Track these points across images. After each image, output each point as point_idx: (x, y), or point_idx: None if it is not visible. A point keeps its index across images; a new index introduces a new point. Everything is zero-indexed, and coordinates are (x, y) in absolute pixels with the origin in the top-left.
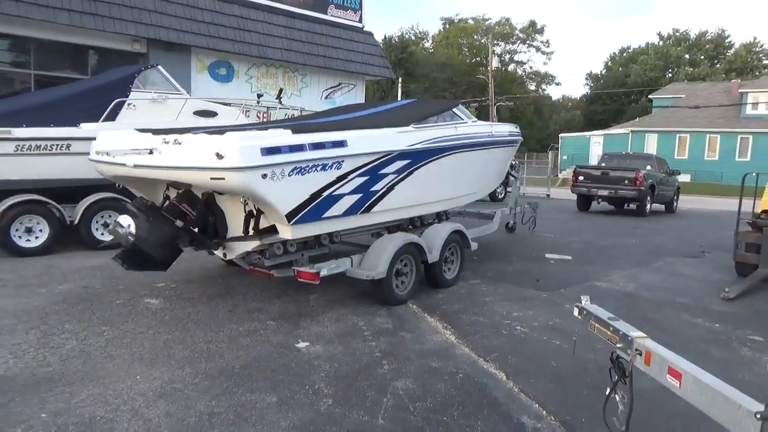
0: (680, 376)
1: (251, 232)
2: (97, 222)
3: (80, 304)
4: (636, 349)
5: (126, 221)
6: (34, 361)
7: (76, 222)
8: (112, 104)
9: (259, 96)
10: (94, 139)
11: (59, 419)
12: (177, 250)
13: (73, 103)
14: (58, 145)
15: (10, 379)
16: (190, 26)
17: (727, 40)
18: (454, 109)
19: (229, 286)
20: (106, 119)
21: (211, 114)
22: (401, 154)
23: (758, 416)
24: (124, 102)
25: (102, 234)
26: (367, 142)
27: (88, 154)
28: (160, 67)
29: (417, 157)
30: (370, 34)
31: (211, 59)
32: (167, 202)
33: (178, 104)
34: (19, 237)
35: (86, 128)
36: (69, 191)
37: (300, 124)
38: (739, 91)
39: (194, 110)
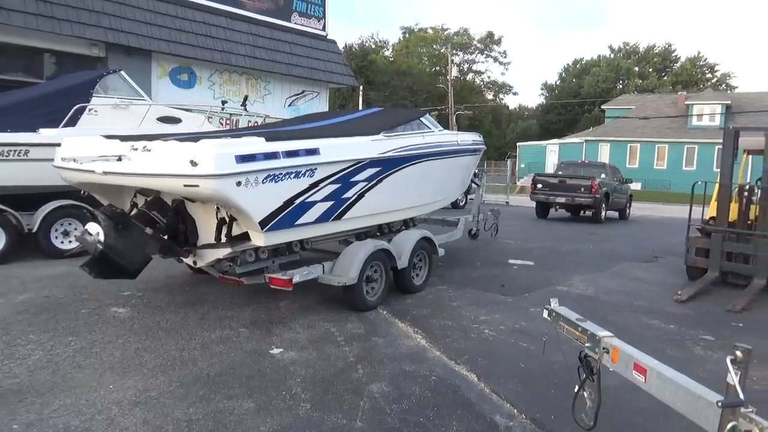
0: (645, 372)
1: (223, 239)
2: (56, 230)
3: (43, 313)
4: (603, 348)
5: (95, 229)
6: (0, 373)
7: (35, 230)
8: (73, 110)
9: (224, 103)
10: (55, 145)
11: (32, 430)
12: (146, 258)
13: (31, 108)
14: (15, 150)
15: None
16: (150, 31)
17: (673, 54)
18: (422, 118)
19: (197, 293)
20: (67, 125)
21: (175, 120)
22: (372, 162)
23: (719, 404)
24: (86, 107)
25: (62, 242)
26: (340, 150)
27: (48, 160)
28: (122, 72)
29: (387, 165)
30: (334, 42)
31: (173, 65)
32: (136, 210)
33: (141, 110)
34: None
35: (46, 134)
36: (27, 198)
37: (273, 131)
38: (685, 103)
39: (158, 116)
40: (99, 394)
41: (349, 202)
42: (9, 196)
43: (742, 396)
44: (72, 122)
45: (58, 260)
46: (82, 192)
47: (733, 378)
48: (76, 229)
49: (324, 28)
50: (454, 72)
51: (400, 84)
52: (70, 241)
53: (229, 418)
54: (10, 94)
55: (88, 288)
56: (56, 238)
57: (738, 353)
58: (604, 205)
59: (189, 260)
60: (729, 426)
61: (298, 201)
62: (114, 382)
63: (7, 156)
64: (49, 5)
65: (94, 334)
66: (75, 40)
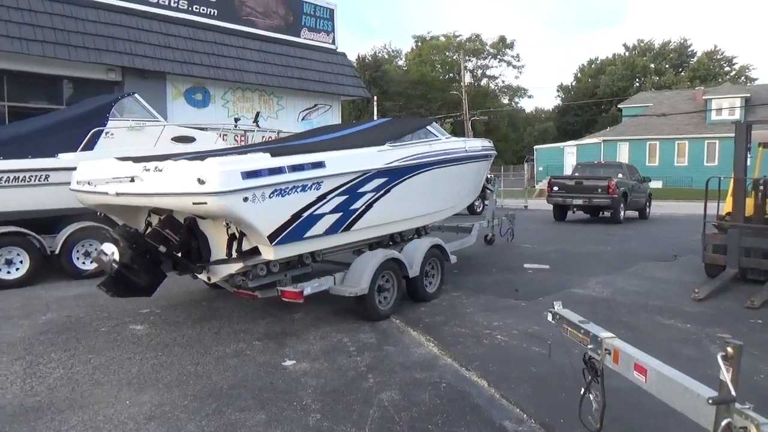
0: (645, 371)
1: (234, 254)
2: (77, 251)
3: (65, 333)
4: (605, 349)
5: (110, 249)
6: (22, 392)
7: (57, 252)
8: (90, 133)
9: (237, 120)
10: (73, 168)
11: None
12: (161, 276)
13: (51, 134)
14: (36, 176)
15: None
16: (164, 53)
17: (689, 49)
18: (428, 127)
19: (213, 308)
20: (85, 149)
21: (189, 139)
22: (378, 173)
23: (710, 401)
24: (102, 131)
25: (83, 263)
26: (345, 162)
27: (68, 184)
28: (136, 95)
29: (394, 175)
30: (344, 55)
31: (187, 85)
32: (150, 229)
33: (156, 131)
34: None
35: (64, 158)
36: (49, 221)
37: (279, 146)
38: (704, 97)
39: (172, 136)
40: (115, 410)
41: (357, 213)
42: (32, 219)
43: (734, 392)
44: (89, 146)
45: (79, 281)
46: (98, 213)
47: (725, 374)
48: (96, 249)
49: (334, 42)
50: (467, 78)
51: (414, 93)
52: (91, 262)
53: (241, 430)
54: (31, 121)
55: (107, 307)
56: (77, 259)
57: (729, 349)
58: (622, 205)
59: (203, 276)
60: (723, 423)
61: (305, 214)
62: (130, 397)
63: (29, 181)
64: (66, 33)
65: (112, 352)
66: (92, 66)
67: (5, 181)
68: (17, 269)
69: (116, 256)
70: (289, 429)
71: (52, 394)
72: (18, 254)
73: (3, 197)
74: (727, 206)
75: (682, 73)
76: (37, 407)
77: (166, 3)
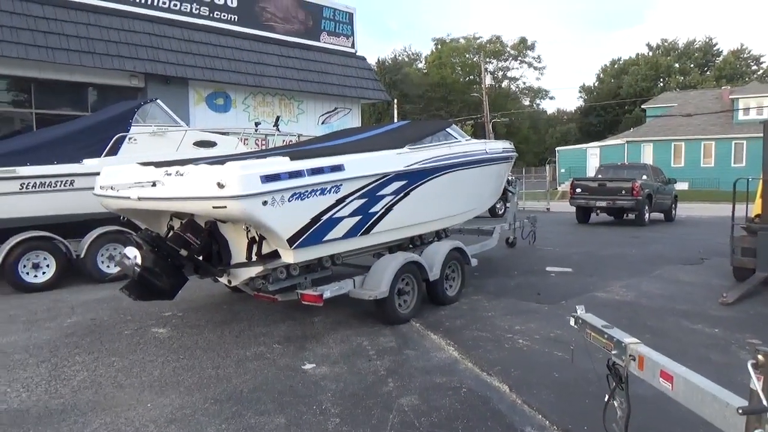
0: (671, 379)
1: (254, 257)
2: (102, 255)
3: (89, 336)
4: (630, 355)
5: (132, 253)
6: (47, 394)
7: (82, 256)
8: (114, 139)
9: (257, 124)
10: (97, 174)
11: None
12: (182, 279)
13: (75, 140)
14: (62, 181)
15: (23, 411)
16: (186, 59)
17: (715, 48)
18: (448, 129)
19: (234, 312)
20: (108, 154)
21: (210, 144)
22: (398, 176)
23: (740, 411)
24: (125, 137)
25: (108, 267)
26: (364, 165)
27: (92, 189)
28: (158, 101)
29: (413, 178)
30: (363, 58)
31: (208, 90)
32: (171, 232)
33: (178, 136)
34: (27, 273)
35: (89, 164)
36: (74, 226)
37: (298, 150)
38: (730, 97)
39: (194, 141)
40: (137, 413)
41: (377, 216)
42: (58, 224)
43: (765, 402)
44: (113, 151)
45: (103, 284)
46: (122, 218)
47: (755, 383)
48: (119, 253)
49: (353, 45)
50: (488, 80)
51: (434, 95)
52: (115, 266)
53: None
54: (57, 128)
55: (130, 310)
56: (102, 262)
57: (760, 357)
58: (647, 207)
59: (224, 279)
60: None
61: (325, 217)
62: (152, 400)
63: (55, 186)
64: (90, 41)
65: (135, 355)
66: (116, 73)
67: (32, 187)
68: (44, 273)
69: (139, 260)
70: None
71: (75, 396)
72: (45, 258)
73: (30, 202)
74: (756, 208)
75: (708, 73)
76: (61, 409)
77: (188, 10)
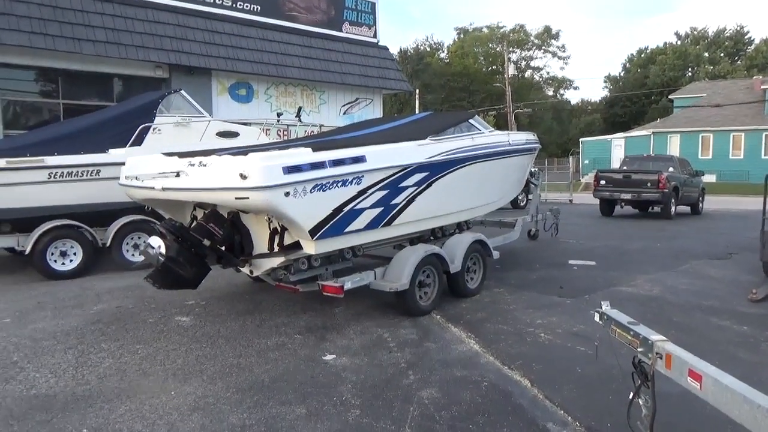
0: (700, 378)
1: (276, 248)
2: (127, 244)
3: (115, 323)
4: (656, 353)
5: (156, 242)
6: (74, 380)
7: (108, 244)
8: (138, 129)
9: (279, 115)
10: (123, 164)
11: None
12: (206, 269)
13: (101, 131)
14: (88, 171)
15: (51, 397)
16: (209, 50)
17: (746, 36)
18: (471, 120)
19: (256, 302)
20: (133, 144)
21: (233, 134)
22: (420, 167)
23: None
24: (150, 127)
25: (133, 255)
26: (386, 156)
27: (117, 178)
28: (182, 91)
29: (435, 169)
30: (385, 48)
31: (231, 81)
32: (195, 223)
33: (201, 127)
34: (55, 261)
35: (114, 154)
36: (100, 215)
37: (320, 141)
38: (762, 87)
39: (217, 131)
40: (161, 400)
41: (398, 207)
42: (84, 213)
43: None
44: (138, 141)
45: (129, 272)
46: (146, 207)
47: None
48: (144, 242)
49: (375, 35)
50: (511, 70)
51: (456, 85)
52: (139, 254)
53: (281, 423)
54: (83, 118)
55: (155, 298)
56: (127, 251)
57: None
58: (673, 200)
59: (246, 270)
60: None
61: (346, 209)
62: (175, 388)
63: (81, 176)
64: (116, 32)
65: (159, 342)
66: (141, 64)
67: (60, 176)
68: (71, 261)
69: (162, 250)
70: (328, 424)
71: (101, 383)
72: (72, 246)
73: (58, 191)
74: None
75: (738, 62)
76: (87, 395)
77: (212, 1)
